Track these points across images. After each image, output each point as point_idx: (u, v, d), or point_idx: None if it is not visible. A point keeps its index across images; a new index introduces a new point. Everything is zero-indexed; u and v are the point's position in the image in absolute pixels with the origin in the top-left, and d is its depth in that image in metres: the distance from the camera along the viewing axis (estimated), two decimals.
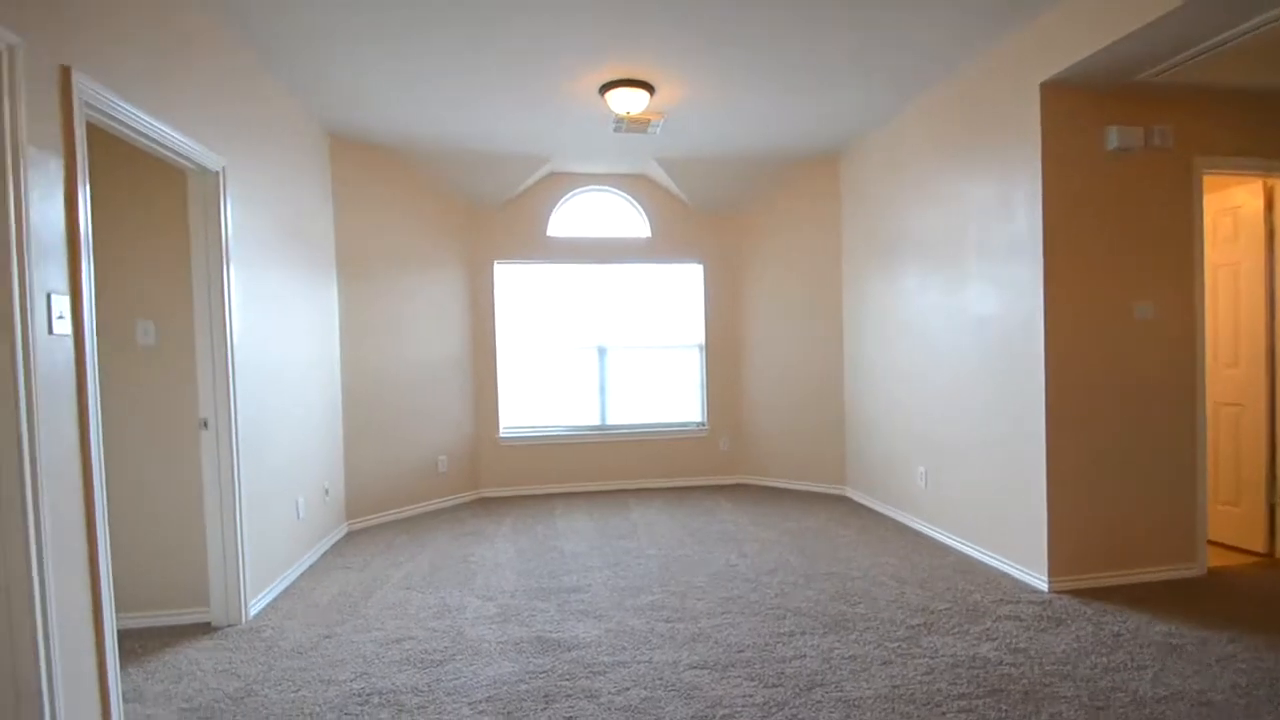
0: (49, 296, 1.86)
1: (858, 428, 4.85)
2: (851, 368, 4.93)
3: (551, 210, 5.36)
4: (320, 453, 3.93)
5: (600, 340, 5.51)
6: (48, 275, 1.86)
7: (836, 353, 5.10)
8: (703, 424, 5.62)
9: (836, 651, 2.47)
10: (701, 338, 5.62)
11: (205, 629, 2.81)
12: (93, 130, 2.79)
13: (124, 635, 2.76)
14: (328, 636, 2.70)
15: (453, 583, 3.28)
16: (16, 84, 1.74)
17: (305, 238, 3.80)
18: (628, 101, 3.65)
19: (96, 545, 2.00)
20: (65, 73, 1.94)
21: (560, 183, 5.35)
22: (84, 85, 2.01)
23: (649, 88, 3.63)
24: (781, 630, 2.65)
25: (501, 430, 5.33)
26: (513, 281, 5.41)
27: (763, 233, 5.45)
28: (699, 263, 5.59)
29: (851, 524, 4.22)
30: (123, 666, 2.46)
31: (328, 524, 4.01)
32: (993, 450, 3.36)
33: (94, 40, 2.07)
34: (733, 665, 2.37)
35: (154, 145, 2.43)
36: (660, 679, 2.29)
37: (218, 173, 2.82)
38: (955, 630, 2.63)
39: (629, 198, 5.48)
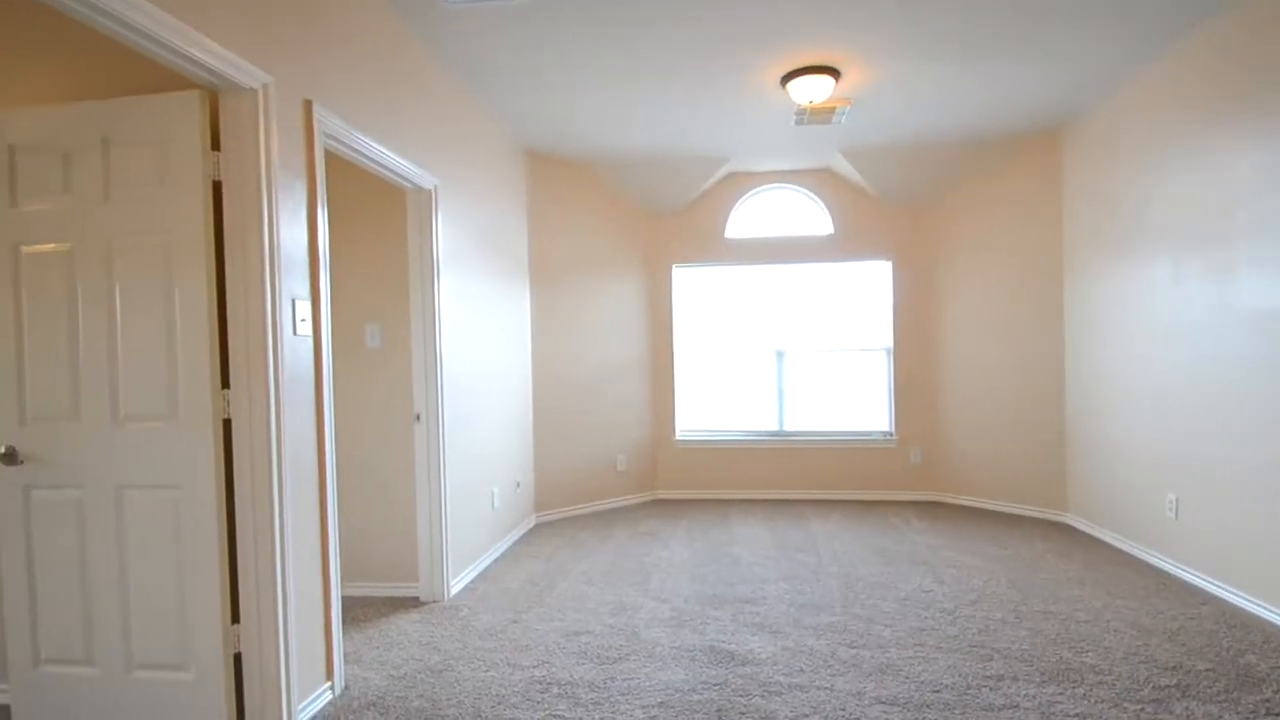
0: (294, 302, 2.16)
1: (1083, 444, 4.08)
2: (1076, 374, 4.17)
3: (729, 211, 5.26)
4: (513, 448, 4.21)
5: (779, 343, 5.29)
6: (293, 283, 2.16)
7: (1055, 356, 4.35)
8: (890, 434, 5.14)
9: (1059, 707, 2.04)
10: (889, 340, 5.14)
11: (414, 603, 3.11)
12: (327, 153, 3.25)
13: (349, 602, 3.15)
14: (515, 621, 2.84)
15: (629, 581, 3.30)
16: (270, 117, 2.05)
17: (502, 247, 4.10)
18: (811, 90, 3.43)
19: (327, 516, 2.28)
20: (307, 106, 2.25)
21: (738, 183, 5.23)
22: (323, 116, 2.31)
23: (834, 73, 3.38)
24: (987, 673, 2.27)
25: (678, 433, 5.34)
26: (690, 284, 5.40)
27: (962, 223, 4.84)
28: (887, 259, 5.12)
29: (1075, 556, 3.54)
30: (346, 630, 2.80)
31: (518, 515, 4.28)
32: (1274, 475, 2.60)
33: (329, 77, 2.38)
34: (928, 706, 2.06)
35: (379, 167, 2.75)
36: (843, 710, 2.06)
37: (431, 190, 3.12)
38: (1221, 698, 2.05)
39: (810, 193, 5.20)
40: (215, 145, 2.05)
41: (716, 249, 5.27)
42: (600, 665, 2.40)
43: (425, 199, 3.12)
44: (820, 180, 5.16)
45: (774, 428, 5.29)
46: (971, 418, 4.81)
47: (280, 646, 2.02)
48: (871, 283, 5.19)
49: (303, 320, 2.20)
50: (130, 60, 2.20)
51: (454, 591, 3.22)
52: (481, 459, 3.70)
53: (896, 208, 5.09)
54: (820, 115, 3.92)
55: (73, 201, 2.05)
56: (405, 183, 2.97)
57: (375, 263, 3.27)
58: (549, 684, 2.28)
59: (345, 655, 2.55)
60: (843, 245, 5.15)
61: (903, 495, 5.07)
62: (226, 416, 2.04)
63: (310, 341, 2.24)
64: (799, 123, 4.05)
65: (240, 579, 2.03)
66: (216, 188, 2.05)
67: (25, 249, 2.08)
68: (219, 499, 2.00)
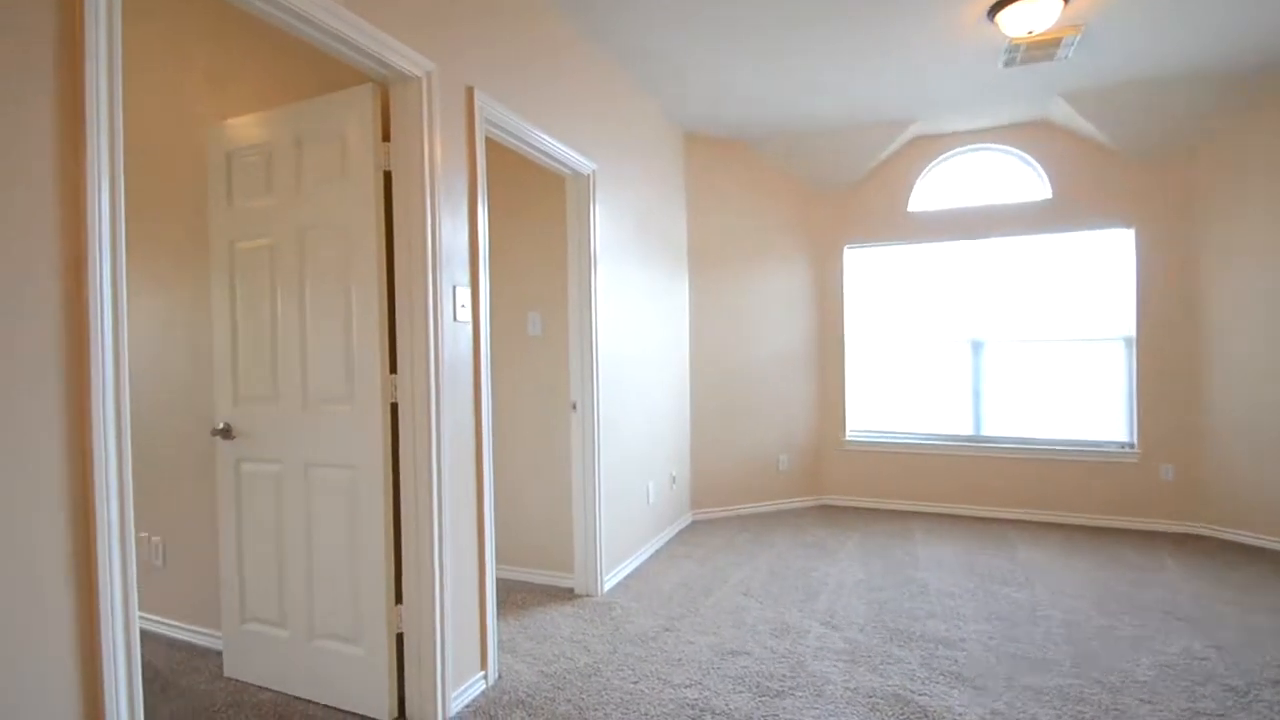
0: (454, 289, 2.14)
1: None
2: None
3: (914, 181, 4.63)
4: (669, 441, 4.06)
5: (975, 332, 4.56)
6: (454, 269, 2.15)
7: None
8: (1130, 444, 4.19)
9: None
10: (1129, 327, 4.18)
11: (569, 595, 3.06)
12: (486, 139, 3.28)
13: (511, 585, 3.19)
14: (667, 629, 2.66)
15: (793, 597, 2.98)
16: (433, 104, 2.03)
17: (660, 233, 3.95)
18: (1030, 17, 2.81)
19: (483, 502, 2.26)
20: (469, 92, 2.22)
21: (925, 148, 4.58)
22: (483, 102, 2.28)
23: None
24: None
25: (848, 432, 4.84)
26: (865, 267, 4.85)
27: (1238, 175, 3.75)
28: (1127, 226, 4.16)
29: None
30: (504, 616, 2.81)
31: (674, 511, 4.12)
32: None
33: (488, 62, 2.34)
34: None
35: (537, 153, 2.70)
36: None
37: (589, 175, 3.04)
38: None
39: (1020, 152, 4.39)
40: (387, 136, 2.09)
41: (897, 225, 4.66)
42: (760, 697, 2.13)
43: (583, 185, 3.04)
44: (1034, 135, 4.33)
45: (968, 431, 4.58)
46: (1254, 427, 3.74)
47: (436, 631, 2.02)
48: (1104, 257, 4.26)
49: (463, 306, 2.18)
50: (318, 63, 2.32)
51: (607, 588, 3.13)
52: (637, 451, 3.58)
53: (1141, 162, 4.11)
54: (1040, 50, 3.22)
55: (274, 199, 2.21)
56: (563, 168, 2.90)
57: (539, 248, 3.27)
58: (701, 710, 2.05)
59: (501, 643, 2.55)
60: (1065, 212, 4.27)
61: (1147, 524, 4.11)
62: (394, 400, 2.07)
63: (470, 328, 2.23)
64: (1009, 63, 3.38)
65: (403, 560, 2.06)
66: (388, 178, 2.09)
67: (239, 245, 2.28)
68: (386, 480, 2.04)
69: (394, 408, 2.09)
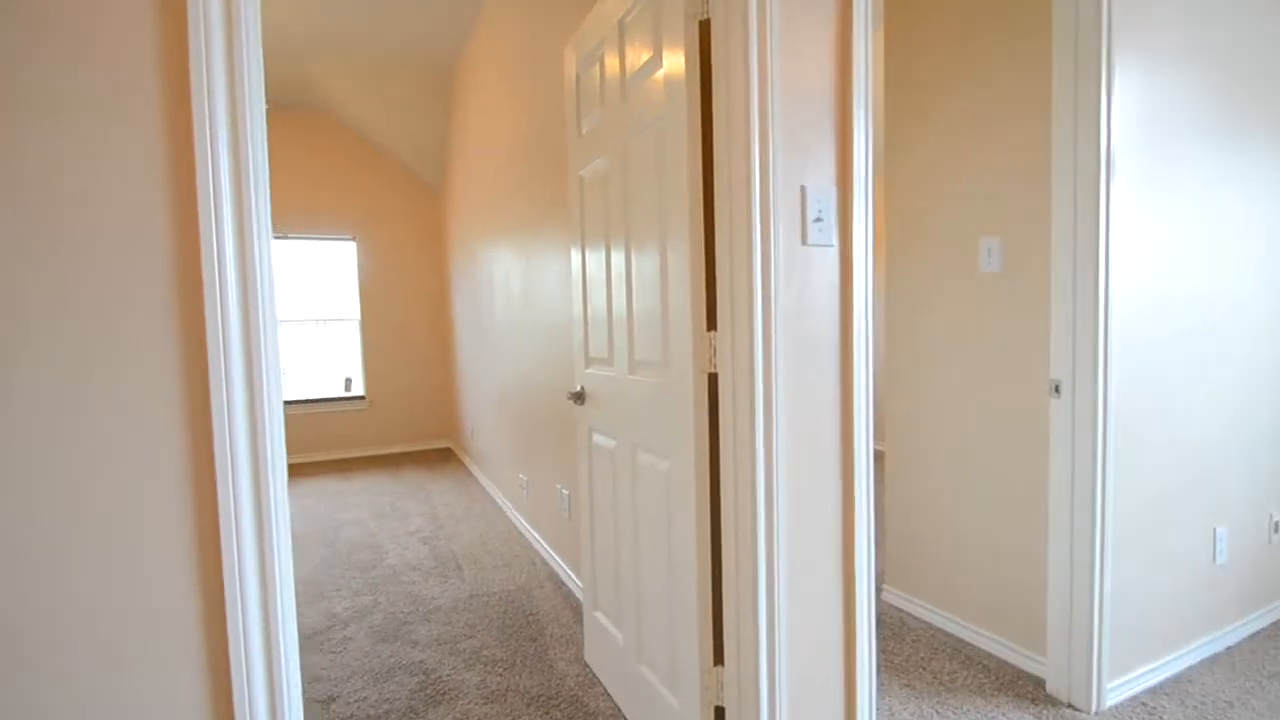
0: (803, 190, 1.32)
1: None
2: None
3: None
4: (1265, 460, 2.23)
5: None
6: (804, 159, 1.32)
7: None
8: None
9: None
10: None
11: (1035, 690, 1.88)
12: None
13: (938, 641, 2.18)
14: None
15: None
16: None
17: (1272, 85, 2.12)
18: None
19: (854, 527, 1.40)
20: None
21: None
22: None
23: None
24: None
25: None
26: None
27: None
28: None
29: None
30: (915, 693, 1.85)
31: (1273, 582, 2.28)
32: None
33: None
34: None
35: None
36: None
37: None
38: None
39: None
40: None
41: None
42: None
43: (1087, 6, 1.72)
44: None
45: None
46: None
47: (760, 694, 1.31)
48: None
49: (817, 221, 1.34)
50: None
51: (1110, 700, 1.81)
52: (1189, 472, 2.01)
53: None
54: None
55: (605, 111, 1.79)
56: None
57: (1001, 130, 2.08)
58: None
59: None
60: None
61: None
62: (712, 370, 1.41)
63: (834, 254, 1.37)
64: None
65: (724, 603, 1.41)
66: (704, 30, 1.40)
67: (585, 176, 1.97)
68: (701, 484, 1.41)
69: (713, 379, 1.43)
